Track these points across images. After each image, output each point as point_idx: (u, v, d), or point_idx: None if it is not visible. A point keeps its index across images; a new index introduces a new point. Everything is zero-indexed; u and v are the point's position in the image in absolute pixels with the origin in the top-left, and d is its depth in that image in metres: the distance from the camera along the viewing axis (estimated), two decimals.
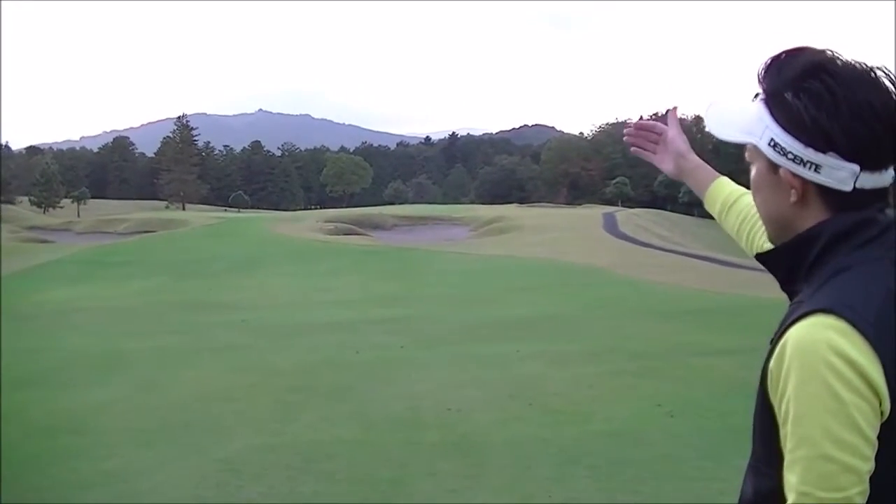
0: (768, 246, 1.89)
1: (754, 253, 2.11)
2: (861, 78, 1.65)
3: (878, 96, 1.63)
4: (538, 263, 38.20)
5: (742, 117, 1.77)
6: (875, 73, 1.65)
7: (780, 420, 1.58)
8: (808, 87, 1.65)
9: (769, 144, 1.69)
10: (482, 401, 11.38)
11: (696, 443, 8.75)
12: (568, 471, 8.15)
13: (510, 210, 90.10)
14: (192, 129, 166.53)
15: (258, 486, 7.98)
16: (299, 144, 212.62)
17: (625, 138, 2.44)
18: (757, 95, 1.77)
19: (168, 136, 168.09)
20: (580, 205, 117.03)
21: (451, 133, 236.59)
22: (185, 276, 38.24)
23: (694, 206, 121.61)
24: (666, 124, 2.39)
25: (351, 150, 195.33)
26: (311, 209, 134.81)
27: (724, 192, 2.33)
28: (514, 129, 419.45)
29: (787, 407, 1.55)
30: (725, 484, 7.10)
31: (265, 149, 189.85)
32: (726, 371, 12.42)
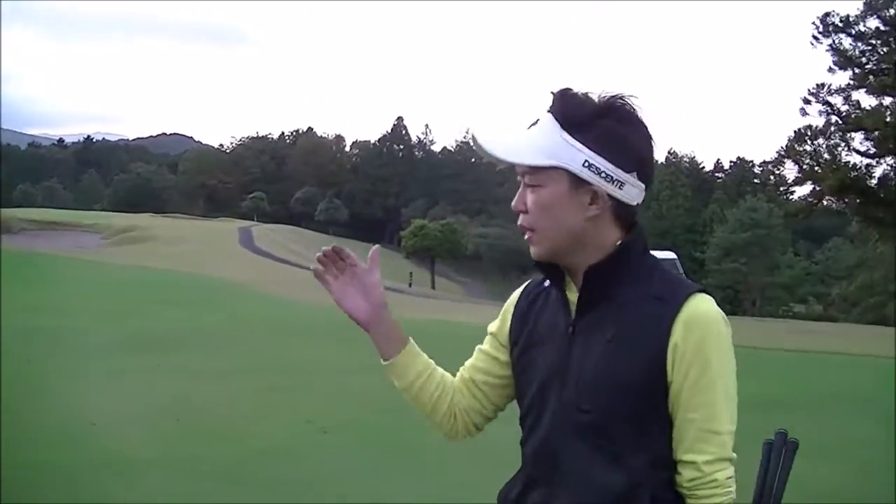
0: (466, 422, 2.29)
1: (447, 427, 2.31)
2: (638, 111, 1.92)
3: (649, 128, 1.94)
4: (174, 276, 37.58)
5: (537, 143, 1.90)
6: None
7: (676, 387, 1.89)
8: (618, 114, 1.89)
9: (584, 165, 1.86)
10: (126, 416, 10.99)
11: (354, 460, 8.86)
12: (221, 490, 8.00)
13: (144, 220, 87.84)
14: None
15: None
16: None
17: (314, 265, 2.23)
18: (534, 123, 1.93)
19: None
20: (216, 218, 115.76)
21: (86, 136, 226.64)
22: None
23: (329, 225, 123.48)
24: (370, 257, 2.26)
25: None
26: None
27: (422, 359, 2.30)
28: (151, 136, 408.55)
29: (698, 369, 1.88)
30: (391, 499, 7.26)
31: None
32: (375, 388, 12.66)
